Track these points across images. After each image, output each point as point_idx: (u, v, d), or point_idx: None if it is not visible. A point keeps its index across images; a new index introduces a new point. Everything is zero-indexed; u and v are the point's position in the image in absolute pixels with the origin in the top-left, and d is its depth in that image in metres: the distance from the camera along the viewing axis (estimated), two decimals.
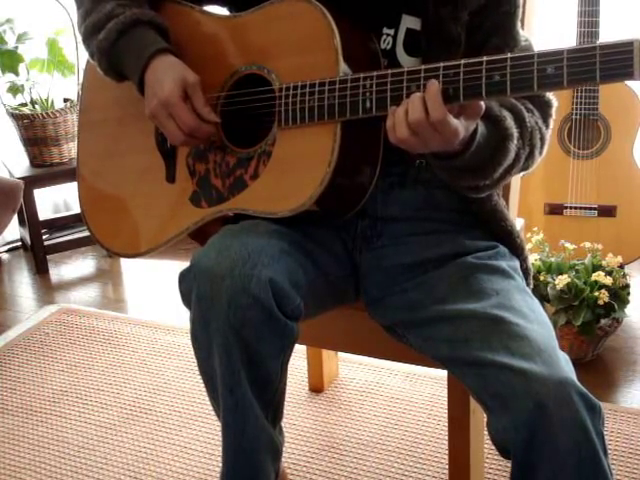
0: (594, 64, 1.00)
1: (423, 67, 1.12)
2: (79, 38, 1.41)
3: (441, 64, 1.10)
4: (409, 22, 1.29)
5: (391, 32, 1.29)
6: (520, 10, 1.30)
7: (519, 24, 1.30)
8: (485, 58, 1.08)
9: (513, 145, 1.21)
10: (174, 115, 1.26)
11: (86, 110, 1.52)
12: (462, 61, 1.09)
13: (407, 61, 1.29)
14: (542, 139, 1.29)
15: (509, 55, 1.06)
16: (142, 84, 1.30)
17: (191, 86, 1.26)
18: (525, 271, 1.36)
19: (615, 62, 0.99)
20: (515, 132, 1.21)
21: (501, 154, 1.21)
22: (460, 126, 1.10)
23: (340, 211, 1.30)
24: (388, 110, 1.14)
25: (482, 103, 1.11)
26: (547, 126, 1.31)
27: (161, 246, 1.38)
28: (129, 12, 1.31)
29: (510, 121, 1.21)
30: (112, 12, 1.32)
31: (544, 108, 1.31)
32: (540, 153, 1.30)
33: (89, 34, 1.35)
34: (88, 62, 1.47)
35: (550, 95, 1.32)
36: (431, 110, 1.08)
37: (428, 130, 1.09)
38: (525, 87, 1.05)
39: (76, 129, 1.60)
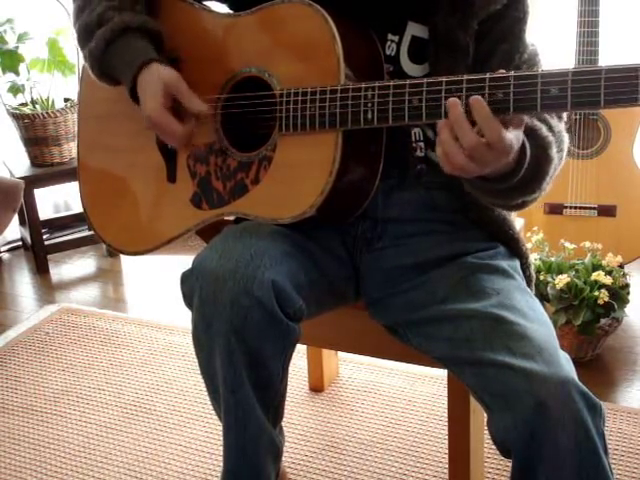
0: (599, 87, 0.99)
1: (425, 80, 1.11)
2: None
3: (444, 78, 1.09)
4: (415, 29, 1.28)
5: (395, 38, 1.28)
6: (528, 16, 1.27)
7: (526, 30, 1.28)
8: (488, 75, 1.06)
9: (554, 152, 1.19)
10: (162, 131, 1.29)
11: (87, 103, 1.51)
12: (465, 77, 1.08)
13: (411, 68, 1.29)
14: (565, 140, 1.26)
15: (512, 73, 1.05)
16: (136, 94, 1.30)
17: (173, 86, 1.26)
18: (528, 278, 1.36)
19: (620, 87, 0.98)
20: (552, 139, 1.19)
21: (546, 163, 1.18)
22: (512, 137, 1.05)
23: (341, 216, 1.30)
24: (390, 121, 1.13)
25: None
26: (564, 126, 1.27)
27: (162, 246, 1.38)
28: (118, 18, 1.30)
29: (545, 129, 1.18)
30: (102, 15, 1.31)
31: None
32: (565, 154, 1.26)
33: (81, 37, 1.35)
34: None
35: None
36: (486, 130, 1.03)
37: (484, 150, 1.04)
38: (529, 107, 1.04)
39: (76, 124, 1.58)
